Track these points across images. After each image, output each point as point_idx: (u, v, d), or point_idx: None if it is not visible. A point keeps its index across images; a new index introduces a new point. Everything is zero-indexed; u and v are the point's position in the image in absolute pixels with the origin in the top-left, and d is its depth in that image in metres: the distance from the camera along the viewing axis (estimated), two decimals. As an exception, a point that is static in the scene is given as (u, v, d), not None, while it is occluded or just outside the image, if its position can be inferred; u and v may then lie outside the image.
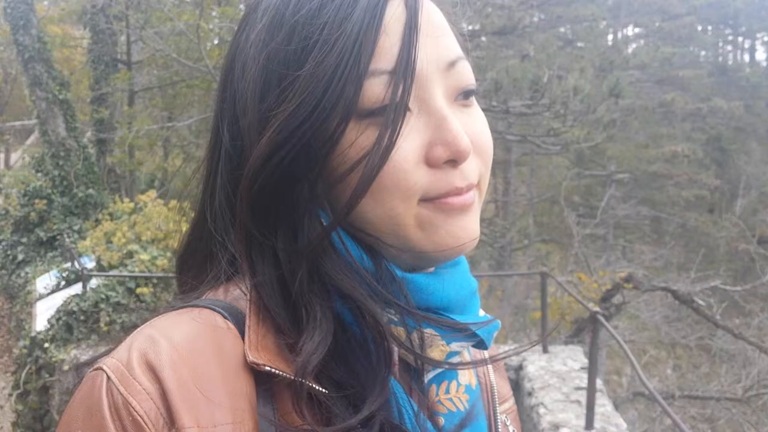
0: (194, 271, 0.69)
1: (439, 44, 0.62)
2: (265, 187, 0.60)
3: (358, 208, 0.61)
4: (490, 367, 0.80)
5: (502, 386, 0.83)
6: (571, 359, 5.75)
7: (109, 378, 0.55)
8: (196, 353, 0.57)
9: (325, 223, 0.62)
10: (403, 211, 0.61)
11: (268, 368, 0.57)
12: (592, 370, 4.36)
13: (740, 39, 35.53)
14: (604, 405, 4.79)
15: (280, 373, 0.57)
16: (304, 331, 0.59)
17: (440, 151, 0.60)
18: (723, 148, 24.13)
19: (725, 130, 23.94)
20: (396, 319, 0.61)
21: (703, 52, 30.74)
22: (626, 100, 12.81)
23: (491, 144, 0.66)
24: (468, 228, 0.63)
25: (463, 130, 0.61)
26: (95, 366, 0.57)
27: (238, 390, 0.56)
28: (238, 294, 0.63)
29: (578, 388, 5.09)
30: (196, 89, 9.93)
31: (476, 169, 0.64)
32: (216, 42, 10.26)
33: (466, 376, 0.69)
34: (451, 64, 0.63)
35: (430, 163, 0.60)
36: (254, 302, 0.61)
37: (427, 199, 0.61)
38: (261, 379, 0.58)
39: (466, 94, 0.64)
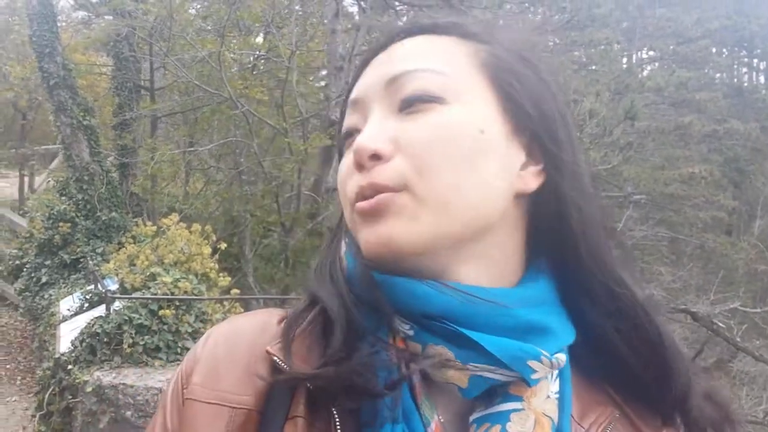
0: None
1: (384, 68, 0.66)
2: None
3: (346, 221, 0.68)
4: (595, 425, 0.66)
5: None
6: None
7: None
8: (237, 335, 0.70)
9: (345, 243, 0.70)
10: (348, 216, 0.66)
11: (275, 359, 0.64)
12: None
13: (755, 61, 35.40)
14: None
15: (282, 365, 0.63)
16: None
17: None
18: (740, 170, 23.94)
19: (742, 151, 23.75)
20: (411, 334, 0.61)
21: (718, 75, 30.60)
22: (642, 123, 12.82)
23: (435, 146, 0.61)
24: (378, 232, 0.60)
25: (372, 133, 0.62)
26: None
27: (253, 370, 0.65)
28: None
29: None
30: (218, 114, 10.05)
31: (397, 170, 0.61)
32: (235, 69, 10.41)
33: (524, 427, 0.60)
34: (391, 81, 0.64)
35: (355, 169, 0.63)
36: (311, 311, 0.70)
37: (353, 205, 0.63)
38: (279, 371, 0.64)
39: (411, 101, 0.63)
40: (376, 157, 0.61)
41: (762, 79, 36.06)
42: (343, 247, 0.69)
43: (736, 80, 33.64)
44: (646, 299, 0.68)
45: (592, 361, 0.68)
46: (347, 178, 0.65)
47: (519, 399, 0.60)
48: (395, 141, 0.62)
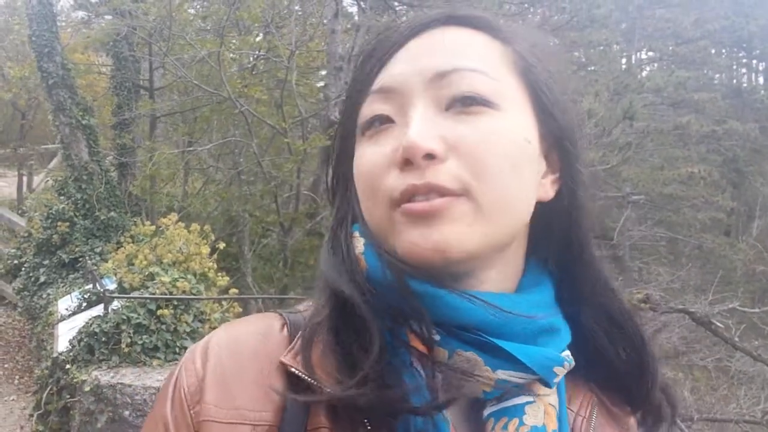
0: None
1: (427, 60, 0.63)
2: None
3: (365, 219, 0.65)
4: (596, 417, 0.71)
5: None
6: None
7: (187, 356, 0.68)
8: (239, 345, 0.66)
9: (357, 234, 0.67)
10: (381, 215, 0.62)
11: (293, 370, 0.62)
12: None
13: (754, 62, 35.38)
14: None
15: (303, 376, 0.61)
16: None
17: (399, 152, 0.60)
18: (739, 170, 23.95)
19: (741, 151, 23.76)
20: (438, 339, 0.60)
21: (717, 75, 30.61)
22: (641, 123, 12.82)
23: (491, 152, 0.60)
24: (430, 236, 0.59)
25: (424, 131, 0.59)
26: None
27: (266, 383, 0.63)
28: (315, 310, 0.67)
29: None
30: (217, 114, 10.05)
31: (453, 172, 0.59)
32: (234, 69, 10.41)
33: (537, 417, 0.63)
34: (440, 76, 0.62)
35: (398, 165, 0.60)
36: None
37: (396, 203, 0.60)
38: (297, 383, 0.62)
39: (463, 101, 0.61)
40: (429, 157, 0.59)
41: (761, 79, 36.03)
42: (359, 246, 0.65)
43: (735, 81, 33.62)
44: (627, 303, 0.72)
45: (575, 356, 0.68)
46: (384, 172, 0.61)
47: (516, 384, 0.62)
48: (446, 141, 0.60)
